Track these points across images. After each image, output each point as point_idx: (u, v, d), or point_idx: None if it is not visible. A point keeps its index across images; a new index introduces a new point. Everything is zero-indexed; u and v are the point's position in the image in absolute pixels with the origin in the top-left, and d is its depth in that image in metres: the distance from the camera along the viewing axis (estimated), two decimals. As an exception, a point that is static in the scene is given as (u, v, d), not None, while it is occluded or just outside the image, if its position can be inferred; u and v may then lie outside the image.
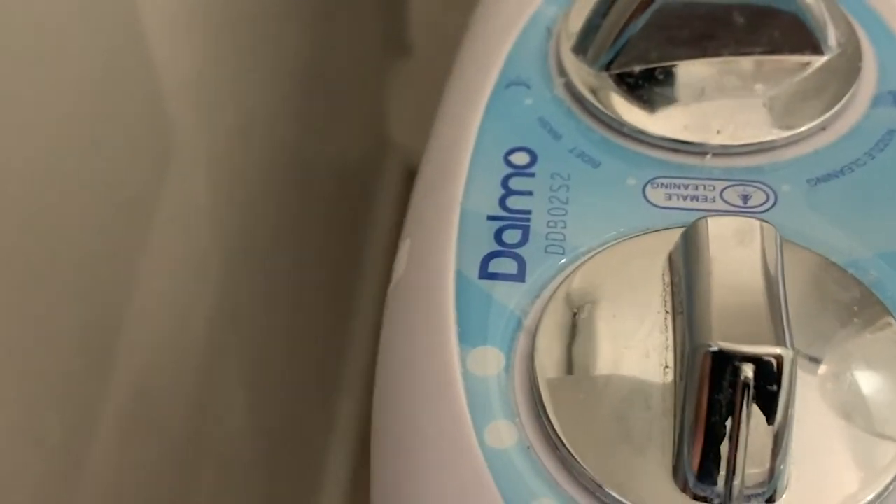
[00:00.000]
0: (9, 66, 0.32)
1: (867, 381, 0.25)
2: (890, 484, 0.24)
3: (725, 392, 0.23)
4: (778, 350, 0.23)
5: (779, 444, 0.23)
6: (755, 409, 0.23)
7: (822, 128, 0.30)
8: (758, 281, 0.24)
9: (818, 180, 0.29)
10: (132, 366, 0.44)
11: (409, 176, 1.00)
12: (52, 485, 0.39)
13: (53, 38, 0.34)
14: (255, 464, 0.63)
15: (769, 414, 0.23)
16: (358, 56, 0.84)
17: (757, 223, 0.25)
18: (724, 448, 0.23)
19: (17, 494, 0.36)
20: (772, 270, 0.24)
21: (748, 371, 0.23)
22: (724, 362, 0.23)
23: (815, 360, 0.25)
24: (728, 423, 0.23)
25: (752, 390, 0.23)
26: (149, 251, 0.44)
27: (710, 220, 0.25)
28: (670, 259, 0.27)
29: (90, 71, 0.37)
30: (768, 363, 0.22)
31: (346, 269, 0.85)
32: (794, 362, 0.23)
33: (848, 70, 0.31)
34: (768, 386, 0.23)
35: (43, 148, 0.35)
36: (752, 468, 0.23)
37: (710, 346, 0.23)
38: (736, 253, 0.24)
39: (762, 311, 0.23)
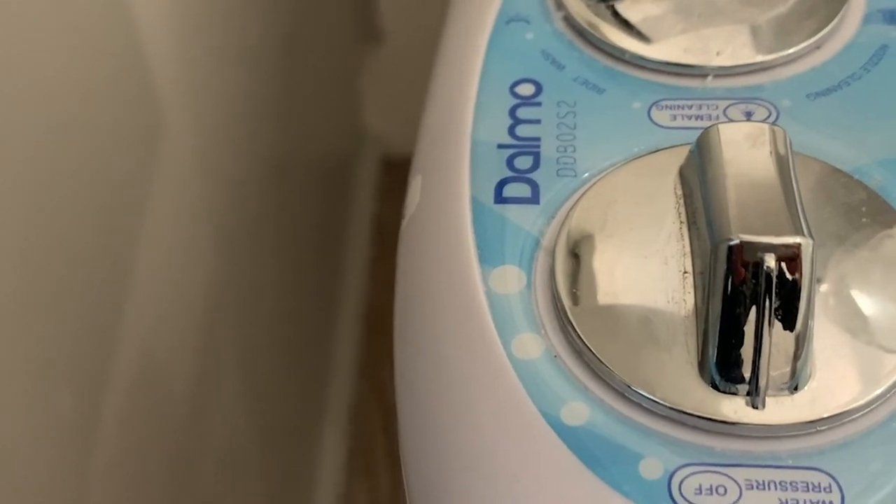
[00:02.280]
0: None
1: (879, 280, 0.26)
2: None
3: (749, 283, 0.24)
4: (798, 239, 0.23)
5: (803, 334, 0.24)
6: (778, 299, 0.24)
7: (818, 46, 0.31)
8: (772, 178, 0.25)
9: (817, 95, 0.30)
10: (135, 345, 0.45)
11: (385, 163, 1.01)
12: (68, 461, 0.39)
13: (41, 26, 0.35)
14: (252, 444, 0.63)
15: (793, 305, 0.24)
16: (331, 44, 0.84)
17: (767, 126, 0.26)
18: (750, 340, 0.24)
19: (35, 473, 0.37)
20: (785, 168, 0.25)
21: (770, 261, 0.23)
22: (747, 254, 0.23)
23: (829, 260, 0.26)
24: (753, 315, 0.24)
25: (775, 279, 0.23)
26: (144, 236, 0.44)
27: (721, 126, 0.26)
28: (681, 173, 0.28)
29: (79, 60, 0.38)
30: (790, 252, 0.23)
31: (328, 253, 0.86)
32: (813, 250, 0.23)
33: (838, -9, 0.32)
34: (791, 275, 0.23)
35: (43, 143, 0.35)
36: (776, 360, 0.24)
37: (731, 239, 0.24)
38: (749, 154, 0.25)
39: (779, 205, 0.24)
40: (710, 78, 0.30)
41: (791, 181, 0.25)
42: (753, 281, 0.24)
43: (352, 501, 0.85)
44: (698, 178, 0.26)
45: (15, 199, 0.33)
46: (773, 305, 0.24)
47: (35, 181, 0.35)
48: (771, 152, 0.25)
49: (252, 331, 0.63)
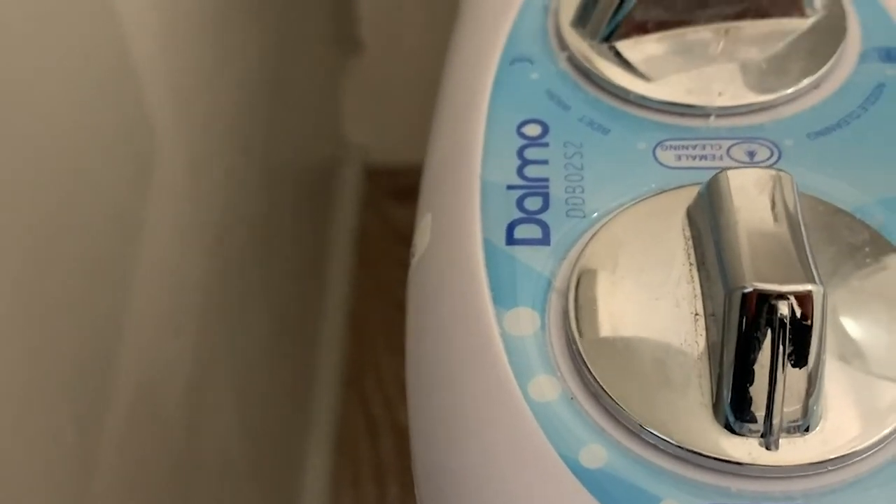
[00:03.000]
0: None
1: (884, 319, 0.27)
2: None
3: (763, 330, 0.24)
4: (810, 287, 0.24)
5: (814, 376, 0.25)
6: (790, 344, 0.24)
7: (816, 85, 0.32)
8: (782, 225, 0.25)
9: (817, 134, 0.31)
10: (133, 366, 0.45)
11: (366, 171, 1.01)
12: (68, 487, 0.39)
13: (28, 43, 0.35)
14: (245, 457, 0.64)
15: (804, 348, 0.24)
16: (311, 55, 0.85)
17: (774, 172, 0.26)
18: (763, 383, 0.25)
19: (40, 494, 0.37)
20: (793, 215, 0.26)
21: (784, 308, 0.24)
22: (761, 301, 0.24)
23: (836, 299, 0.27)
24: (766, 360, 0.25)
25: (787, 325, 0.24)
26: (139, 255, 0.45)
27: (730, 172, 0.27)
28: (689, 214, 0.28)
29: (68, 76, 0.38)
30: (802, 299, 0.24)
31: (311, 264, 0.86)
32: (824, 297, 0.24)
33: (834, 30, 0.33)
34: (803, 321, 0.24)
35: (34, 161, 0.35)
36: (789, 401, 0.25)
37: (746, 287, 0.24)
38: (758, 201, 0.26)
39: (790, 252, 0.25)
40: (712, 118, 0.31)
41: (800, 228, 0.25)
42: (767, 326, 0.24)
43: (338, 513, 0.85)
44: (708, 222, 0.27)
45: (6, 220, 0.34)
46: (786, 349, 0.24)
47: (25, 201, 0.35)
48: (779, 199, 0.26)
49: (241, 344, 0.63)
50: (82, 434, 0.41)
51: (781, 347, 0.24)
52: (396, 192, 0.97)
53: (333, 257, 0.92)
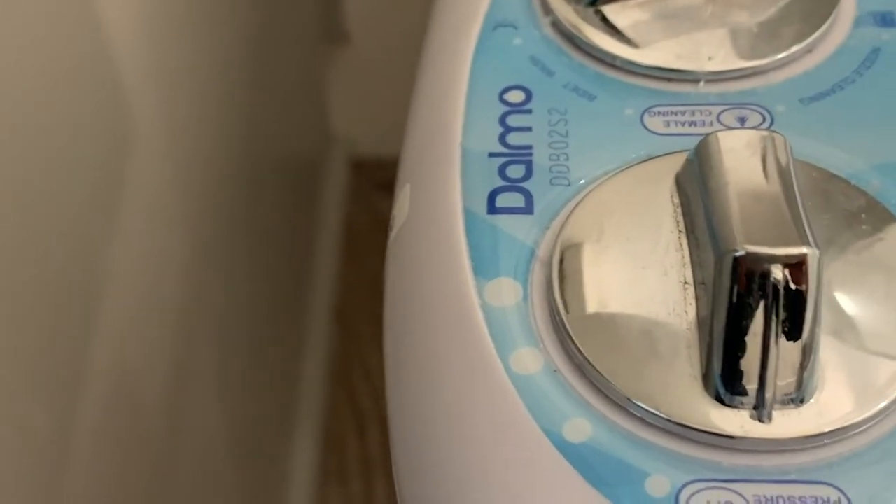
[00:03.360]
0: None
1: (882, 289, 0.26)
2: None
3: (755, 295, 0.23)
4: (804, 249, 0.23)
5: (809, 346, 0.24)
6: (784, 311, 0.23)
7: (809, 50, 0.31)
8: (775, 187, 0.24)
9: (810, 99, 0.30)
10: (108, 355, 0.44)
11: (353, 164, 1.00)
12: (41, 475, 0.38)
13: (4, 31, 0.34)
14: (227, 449, 0.63)
15: (799, 316, 0.23)
16: (297, 46, 0.84)
17: (767, 133, 0.25)
18: (756, 352, 0.24)
19: (6, 488, 0.36)
20: (787, 177, 0.25)
21: (777, 272, 0.23)
22: (753, 265, 0.23)
23: (832, 268, 0.26)
24: (759, 327, 0.23)
25: (781, 291, 0.23)
26: (116, 243, 0.44)
27: (720, 134, 0.26)
28: (677, 181, 0.27)
29: (45, 64, 0.37)
30: (796, 262, 0.23)
31: (297, 255, 0.85)
32: (820, 261, 0.23)
33: (828, -6, 0.32)
34: (798, 286, 0.23)
35: (8, 149, 0.34)
36: (783, 371, 0.24)
37: (737, 250, 0.23)
38: (750, 162, 0.25)
39: (784, 214, 0.24)
40: (702, 83, 0.30)
41: (794, 190, 0.24)
42: (760, 292, 0.23)
43: (325, 503, 0.84)
44: (698, 187, 0.26)
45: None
46: (780, 317, 0.23)
47: (1, 188, 0.34)
48: (772, 161, 0.25)
49: (224, 336, 0.62)
50: (55, 425, 0.39)
51: (775, 315, 0.23)
52: (383, 184, 0.96)
53: (320, 250, 0.91)
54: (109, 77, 0.42)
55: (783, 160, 0.25)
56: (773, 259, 0.23)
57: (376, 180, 0.97)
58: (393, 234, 0.30)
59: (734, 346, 0.24)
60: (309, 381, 0.84)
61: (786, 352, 0.24)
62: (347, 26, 0.93)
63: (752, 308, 0.23)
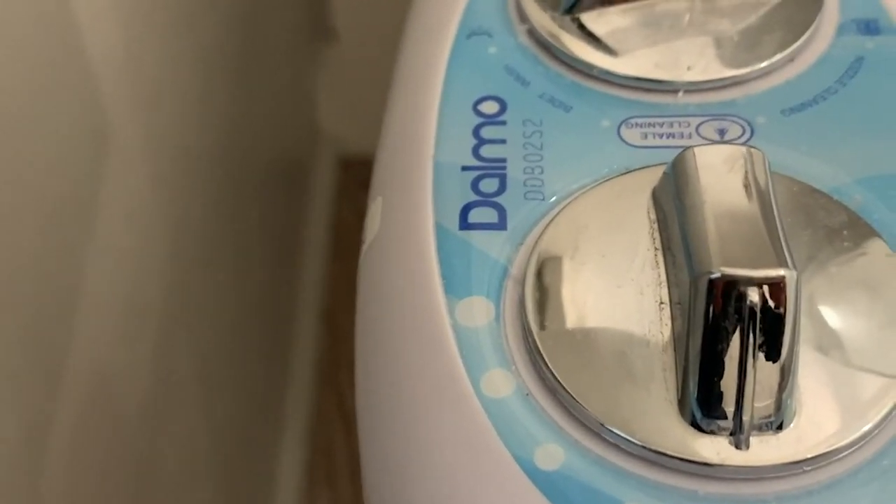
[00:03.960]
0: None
1: (864, 307, 0.25)
2: (890, 412, 0.24)
3: (731, 318, 0.22)
4: (782, 272, 0.22)
5: (788, 369, 0.23)
6: (761, 334, 0.23)
7: (791, 59, 0.30)
8: (753, 206, 0.23)
9: (792, 110, 0.29)
10: (86, 358, 0.43)
11: (342, 163, 0.99)
12: (16, 481, 0.37)
13: None
14: (212, 453, 0.62)
15: (777, 339, 0.23)
16: (284, 44, 0.83)
17: (745, 149, 0.25)
18: (732, 376, 0.23)
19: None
20: (765, 195, 0.24)
21: (754, 295, 0.22)
22: (729, 288, 0.22)
23: (812, 285, 0.25)
24: (735, 351, 0.23)
25: (758, 314, 0.22)
26: (93, 243, 0.43)
27: (696, 149, 0.25)
28: (654, 196, 0.26)
29: (24, 62, 0.36)
30: (774, 285, 0.22)
31: (284, 256, 0.84)
32: (798, 283, 0.22)
33: (810, 1, 0.31)
34: (775, 309, 0.22)
35: None
36: (760, 396, 0.23)
37: (712, 272, 0.22)
38: (727, 180, 0.24)
39: (761, 235, 0.23)
40: (681, 93, 0.29)
41: (772, 208, 0.24)
42: (736, 315, 0.22)
43: (312, 511, 0.84)
44: (674, 204, 0.25)
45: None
46: (757, 340, 0.23)
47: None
48: (750, 177, 0.24)
49: (208, 338, 0.61)
50: (29, 433, 0.39)
51: (752, 338, 0.22)
52: (372, 183, 0.95)
53: (307, 249, 0.90)
54: (85, 73, 0.42)
55: (761, 177, 0.24)
56: (750, 281, 0.22)
57: (364, 179, 0.96)
58: (364, 248, 0.29)
59: (710, 369, 0.23)
60: (296, 383, 0.84)
61: (763, 375, 0.23)
62: (335, 23, 0.93)
63: (728, 331, 0.22)
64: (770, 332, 0.23)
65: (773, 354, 0.23)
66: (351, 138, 0.98)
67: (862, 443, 0.23)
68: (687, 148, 0.25)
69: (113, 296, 0.46)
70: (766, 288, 0.22)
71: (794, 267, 0.22)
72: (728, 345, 0.23)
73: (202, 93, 0.58)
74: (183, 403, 0.57)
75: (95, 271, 0.43)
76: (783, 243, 0.23)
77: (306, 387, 0.85)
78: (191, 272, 0.57)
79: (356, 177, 0.98)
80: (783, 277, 0.22)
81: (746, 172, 0.24)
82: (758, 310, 0.22)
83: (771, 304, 0.22)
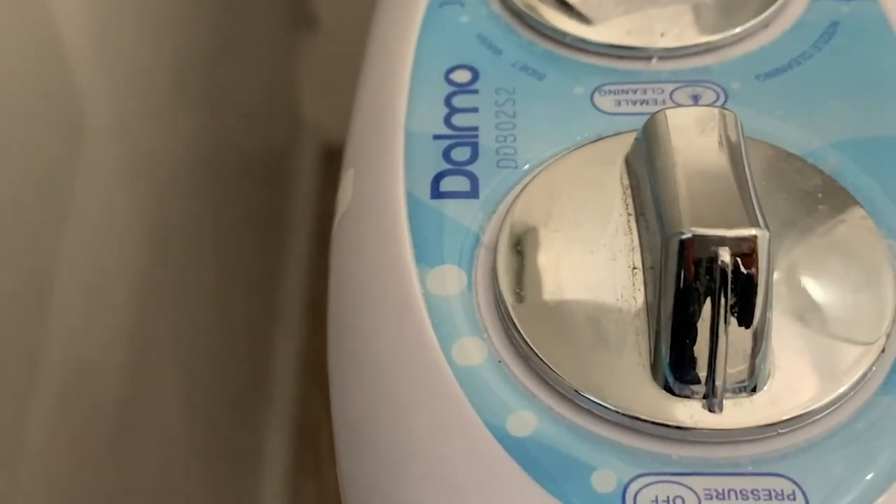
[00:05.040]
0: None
1: (839, 271, 0.25)
2: (865, 375, 0.23)
3: (703, 279, 0.22)
4: (753, 231, 0.22)
5: (761, 331, 0.23)
6: (733, 296, 0.22)
7: (766, 24, 0.29)
8: (724, 166, 0.23)
9: (766, 76, 0.29)
10: (61, 351, 0.42)
11: (325, 152, 0.99)
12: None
13: None
14: (194, 443, 0.61)
15: (749, 300, 0.22)
16: (265, 30, 0.82)
17: (717, 110, 0.24)
18: (705, 339, 0.22)
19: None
20: (737, 156, 0.23)
21: (725, 255, 0.22)
22: (700, 248, 0.22)
23: (786, 249, 0.25)
24: (707, 313, 0.22)
25: (730, 274, 0.22)
26: (68, 235, 0.42)
27: (668, 112, 0.24)
28: (627, 162, 0.26)
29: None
30: (745, 245, 0.22)
31: (269, 246, 0.83)
32: (770, 243, 0.22)
33: (785, -34, 0.30)
34: (746, 269, 0.22)
35: None
36: (733, 359, 0.23)
37: (683, 233, 0.22)
38: (699, 141, 0.24)
39: (733, 195, 0.23)
40: (654, 60, 0.29)
41: (744, 169, 0.23)
42: (707, 276, 0.22)
43: (299, 498, 0.83)
44: (646, 167, 0.24)
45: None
46: (729, 302, 0.22)
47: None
48: (722, 138, 0.24)
49: (189, 328, 0.61)
50: (6, 418, 0.38)
51: (723, 299, 0.22)
52: (356, 171, 0.95)
53: (292, 239, 0.90)
54: (58, 60, 0.41)
55: (734, 138, 0.24)
56: (722, 241, 0.22)
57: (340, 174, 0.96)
58: (336, 221, 0.29)
59: (682, 333, 0.23)
60: (281, 373, 0.83)
61: (736, 338, 0.22)
62: (317, 11, 0.92)
63: (699, 293, 0.22)
64: (742, 294, 0.22)
65: (745, 317, 0.22)
66: (334, 127, 0.97)
67: (836, 406, 0.23)
68: (658, 110, 0.25)
69: (88, 285, 0.45)
70: (737, 248, 0.22)
71: (767, 227, 0.22)
72: (700, 307, 0.22)
73: (179, 81, 0.58)
74: (163, 395, 0.56)
75: (70, 261, 0.43)
76: (755, 203, 0.22)
77: (291, 376, 0.85)
78: (170, 262, 0.57)
79: (340, 166, 0.98)
80: (755, 237, 0.22)
81: (719, 134, 0.24)
82: (729, 270, 0.22)
83: (743, 264, 0.22)
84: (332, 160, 0.99)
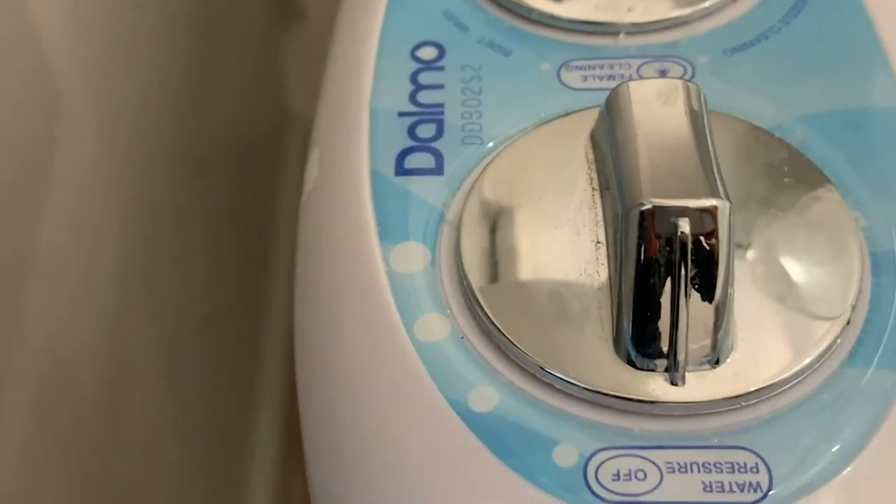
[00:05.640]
0: None
1: (804, 244, 0.25)
2: (830, 347, 0.23)
3: (663, 251, 0.22)
4: (714, 202, 0.22)
5: (723, 304, 0.22)
6: (694, 268, 0.22)
7: (734, -1, 0.29)
8: (686, 138, 0.23)
9: (734, 50, 0.28)
10: (38, 335, 0.42)
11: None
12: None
13: None
14: (179, 436, 0.61)
15: (710, 273, 0.22)
16: (250, 21, 0.82)
17: (680, 82, 0.24)
18: (666, 312, 0.22)
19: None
20: (700, 128, 0.23)
21: (685, 226, 0.22)
22: (660, 219, 0.22)
23: (752, 222, 0.24)
24: (668, 286, 0.22)
25: (690, 246, 0.22)
26: (44, 226, 0.42)
27: (631, 84, 0.24)
28: (592, 136, 0.26)
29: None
30: (705, 215, 0.22)
31: (254, 237, 0.83)
32: (731, 213, 0.22)
33: (753, -59, 0.30)
34: (707, 240, 0.22)
35: None
36: (695, 332, 0.22)
37: (643, 204, 0.22)
38: (661, 112, 0.23)
39: (694, 166, 0.22)
40: (622, 36, 0.29)
41: (706, 140, 0.23)
42: (667, 248, 0.22)
43: (288, 496, 0.83)
44: (608, 140, 0.24)
45: None
46: (690, 274, 0.22)
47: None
48: (685, 110, 0.23)
49: (173, 318, 0.60)
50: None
51: (684, 271, 0.22)
52: (344, 162, 0.94)
53: (279, 231, 0.89)
54: (34, 43, 0.41)
55: (696, 109, 0.24)
56: (682, 212, 0.22)
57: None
58: (303, 199, 0.29)
59: (643, 306, 0.22)
60: (269, 365, 0.83)
61: (698, 311, 0.22)
62: (304, 2, 0.92)
63: (659, 264, 0.22)
64: (703, 266, 0.22)
65: (707, 290, 0.22)
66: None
67: (801, 378, 0.23)
68: (621, 83, 0.24)
69: (66, 269, 0.45)
70: (697, 219, 0.22)
71: (727, 198, 0.22)
72: (661, 280, 0.22)
73: (163, 72, 0.58)
74: (146, 386, 0.56)
75: (47, 244, 0.42)
76: (716, 174, 0.22)
77: (279, 368, 0.85)
78: (153, 252, 0.56)
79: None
80: (715, 207, 0.22)
81: (681, 105, 0.24)
82: (689, 242, 0.22)
83: (703, 236, 0.22)
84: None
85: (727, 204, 0.22)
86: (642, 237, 0.22)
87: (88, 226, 0.48)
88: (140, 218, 0.54)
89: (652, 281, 0.22)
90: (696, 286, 0.22)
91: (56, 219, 0.43)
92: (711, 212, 0.22)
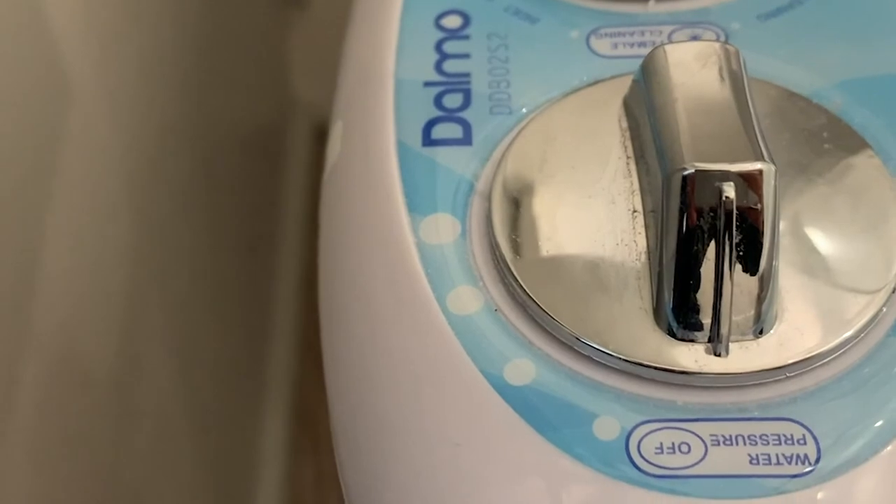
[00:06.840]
0: None
1: (846, 212, 0.24)
2: (874, 318, 0.23)
3: (706, 217, 0.21)
4: (759, 165, 0.21)
5: (768, 272, 0.22)
6: (739, 234, 0.21)
7: (766, -36, 0.28)
8: (727, 100, 0.22)
9: (768, 16, 0.28)
10: (50, 321, 0.42)
11: (316, 132, 0.98)
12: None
13: None
14: (189, 424, 0.61)
15: (755, 239, 0.21)
16: (254, 8, 0.81)
17: (718, 44, 0.23)
18: (709, 281, 0.22)
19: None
20: (740, 91, 0.23)
21: (729, 190, 0.21)
22: (703, 183, 0.21)
23: (792, 190, 0.24)
24: (711, 253, 0.21)
25: (734, 211, 0.21)
26: (55, 212, 0.41)
27: (667, 47, 0.23)
28: (625, 103, 0.25)
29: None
30: (751, 180, 0.21)
31: (262, 226, 0.83)
32: (776, 177, 0.21)
33: None
34: (752, 205, 0.21)
35: None
36: (739, 302, 0.22)
37: (685, 168, 0.21)
38: (700, 76, 0.23)
39: (736, 129, 0.22)
40: (652, 2, 0.28)
41: (747, 102, 0.22)
42: (711, 214, 0.21)
43: (298, 479, 0.82)
44: (645, 106, 0.24)
45: None
46: (734, 241, 0.21)
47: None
48: (723, 72, 0.23)
49: (181, 307, 0.60)
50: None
51: (728, 239, 0.21)
52: (350, 149, 0.93)
53: (287, 217, 0.89)
54: (44, 34, 0.40)
55: (736, 72, 0.23)
56: (726, 176, 0.21)
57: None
58: (325, 174, 0.28)
59: (686, 274, 0.22)
60: (278, 351, 0.82)
61: (742, 280, 0.22)
62: (307, -12, 0.91)
63: (703, 232, 0.21)
64: (748, 232, 0.21)
65: (751, 258, 0.22)
66: (326, 106, 0.96)
67: (846, 348, 0.22)
68: (657, 47, 0.24)
69: (78, 255, 0.45)
70: (742, 182, 0.21)
71: (772, 161, 0.21)
72: (704, 247, 0.21)
73: (167, 58, 0.57)
74: (156, 373, 0.56)
75: (60, 235, 0.42)
76: (759, 137, 0.22)
77: (288, 354, 0.84)
78: (162, 240, 0.56)
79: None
80: (760, 171, 0.21)
81: (720, 69, 0.23)
82: (734, 206, 0.21)
83: (748, 200, 0.21)
84: (323, 139, 0.98)
85: (772, 167, 0.21)
86: (685, 203, 0.21)
87: (99, 219, 0.47)
88: (150, 210, 0.54)
89: (695, 248, 0.21)
90: (741, 253, 0.21)
91: (66, 212, 0.43)
92: (756, 175, 0.21)
